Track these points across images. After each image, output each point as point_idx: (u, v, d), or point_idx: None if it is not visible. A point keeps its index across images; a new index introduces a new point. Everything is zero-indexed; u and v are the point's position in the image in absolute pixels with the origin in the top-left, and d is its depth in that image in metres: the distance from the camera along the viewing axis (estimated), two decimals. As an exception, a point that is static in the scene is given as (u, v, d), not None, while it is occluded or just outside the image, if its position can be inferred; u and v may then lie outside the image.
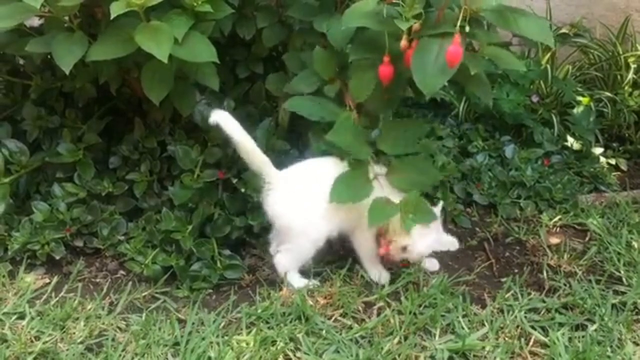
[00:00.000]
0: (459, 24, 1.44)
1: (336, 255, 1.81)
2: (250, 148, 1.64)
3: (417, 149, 1.84)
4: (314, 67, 1.76)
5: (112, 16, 1.48)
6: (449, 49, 1.43)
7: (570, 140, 2.38)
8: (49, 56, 1.82)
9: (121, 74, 1.83)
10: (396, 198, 1.61)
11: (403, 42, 1.54)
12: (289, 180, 1.68)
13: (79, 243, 1.83)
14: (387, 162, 1.71)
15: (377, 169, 1.67)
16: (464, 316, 1.58)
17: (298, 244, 1.68)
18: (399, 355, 1.46)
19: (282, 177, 1.68)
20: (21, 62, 2.04)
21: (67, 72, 1.57)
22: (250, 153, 1.65)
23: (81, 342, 1.50)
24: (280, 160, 1.91)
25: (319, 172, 1.69)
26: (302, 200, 1.66)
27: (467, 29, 1.46)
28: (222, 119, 1.61)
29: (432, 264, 1.79)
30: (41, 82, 1.96)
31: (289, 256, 1.69)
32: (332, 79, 1.76)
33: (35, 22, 1.81)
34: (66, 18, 1.62)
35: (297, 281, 1.69)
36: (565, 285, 1.71)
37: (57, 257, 1.77)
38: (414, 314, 1.58)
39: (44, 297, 1.66)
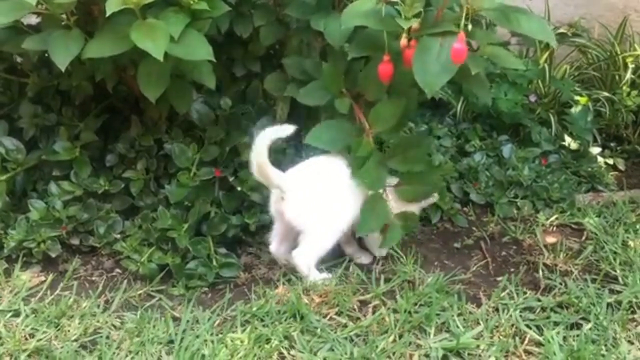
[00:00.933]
0: (462, 22, 1.44)
1: (332, 254, 1.81)
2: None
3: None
4: (323, 82, 1.76)
5: (108, 13, 1.47)
6: (454, 47, 1.43)
7: (567, 140, 2.38)
8: (45, 54, 1.82)
9: (118, 71, 1.83)
10: (399, 206, 1.72)
11: (402, 41, 1.54)
12: (300, 179, 1.70)
13: (75, 241, 1.83)
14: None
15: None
16: (459, 315, 1.58)
17: (319, 239, 1.69)
18: (394, 354, 1.45)
19: (291, 178, 1.69)
20: (18, 59, 2.04)
21: (63, 70, 1.57)
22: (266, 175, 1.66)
23: (75, 340, 1.50)
24: (278, 159, 1.92)
25: (327, 167, 1.73)
26: (318, 196, 1.69)
27: (470, 27, 1.46)
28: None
29: (367, 257, 1.81)
30: (38, 80, 1.96)
31: (309, 252, 1.69)
32: (341, 92, 1.75)
33: (33, 19, 1.81)
34: (63, 16, 1.62)
35: (319, 275, 1.71)
36: (560, 284, 1.71)
37: (53, 255, 1.77)
38: (409, 312, 1.57)
39: (39, 294, 1.66)
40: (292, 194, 1.67)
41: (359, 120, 1.71)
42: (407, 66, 1.53)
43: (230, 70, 2.03)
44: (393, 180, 1.73)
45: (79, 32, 1.62)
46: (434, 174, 1.94)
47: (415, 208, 1.81)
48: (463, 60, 1.45)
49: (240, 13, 1.91)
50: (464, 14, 1.45)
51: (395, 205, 1.71)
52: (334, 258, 1.79)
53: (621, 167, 2.44)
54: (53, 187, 1.86)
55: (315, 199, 1.69)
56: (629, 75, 2.58)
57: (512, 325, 1.55)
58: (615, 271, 1.76)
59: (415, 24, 1.51)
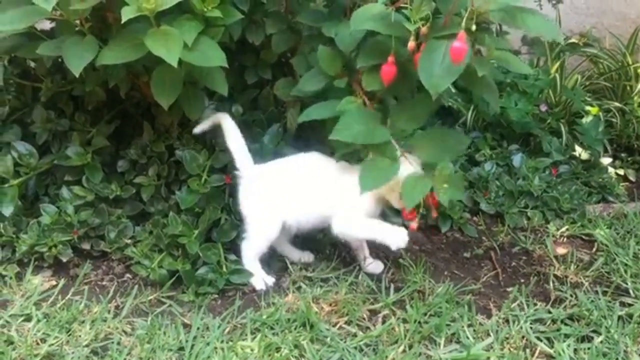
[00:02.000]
0: (464, 22, 1.44)
1: (342, 262, 1.82)
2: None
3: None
4: (320, 66, 1.76)
5: (123, 20, 1.48)
6: (453, 45, 1.43)
7: (578, 150, 2.38)
8: (59, 59, 1.84)
9: (131, 78, 1.84)
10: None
11: (410, 44, 1.55)
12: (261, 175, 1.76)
13: (86, 246, 1.83)
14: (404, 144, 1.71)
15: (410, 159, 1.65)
16: (469, 326, 1.58)
17: (253, 233, 1.76)
18: (404, 364, 1.46)
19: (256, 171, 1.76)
20: (32, 64, 2.05)
21: (77, 76, 1.58)
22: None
23: (87, 345, 1.50)
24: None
25: (293, 167, 1.77)
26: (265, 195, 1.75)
27: (474, 27, 1.46)
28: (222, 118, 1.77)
29: (377, 266, 1.80)
30: (51, 85, 1.97)
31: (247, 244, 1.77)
32: (339, 74, 1.75)
33: (47, 25, 1.82)
34: (77, 22, 1.63)
35: (255, 269, 1.75)
36: (571, 296, 1.71)
37: (64, 260, 1.78)
38: (419, 322, 1.57)
39: (51, 299, 1.67)
40: (245, 182, 1.76)
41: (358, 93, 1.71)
42: (416, 70, 1.54)
43: (242, 78, 2.04)
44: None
45: (93, 39, 1.63)
46: (450, 131, 1.86)
47: None
48: (462, 58, 1.45)
49: (252, 21, 1.92)
50: (466, 15, 1.45)
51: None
52: (342, 266, 1.79)
53: (632, 178, 2.43)
54: (65, 192, 1.87)
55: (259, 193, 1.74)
56: (640, 85, 2.58)
57: (523, 337, 1.55)
58: (627, 284, 1.75)
59: (423, 28, 1.52)
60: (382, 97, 1.72)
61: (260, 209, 1.75)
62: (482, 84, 1.66)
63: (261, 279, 1.74)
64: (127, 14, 1.49)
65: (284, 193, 1.73)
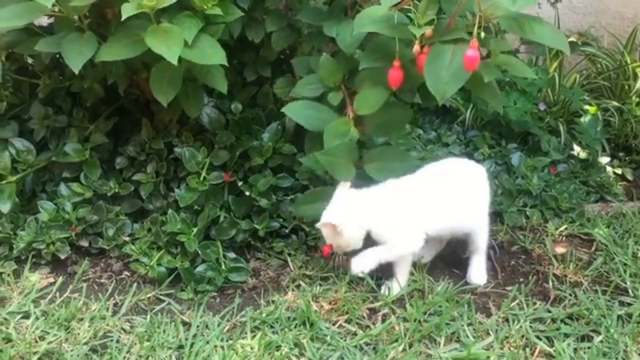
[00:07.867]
0: (475, 30, 1.44)
1: (341, 260, 1.81)
2: None
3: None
4: (320, 73, 1.76)
5: (123, 17, 1.47)
6: (467, 54, 1.43)
7: (576, 149, 2.38)
8: (57, 55, 1.82)
9: (129, 74, 1.83)
10: None
11: (416, 47, 1.54)
12: None
13: (84, 243, 1.82)
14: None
15: None
16: (469, 325, 1.57)
17: None
18: (404, 363, 1.45)
19: None
20: (29, 60, 2.04)
21: (77, 73, 1.57)
22: None
23: (86, 343, 1.50)
24: (288, 164, 1.92)
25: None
26: None
27: (482, 35, 1.46)
28: None
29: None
30: (49, 81, 1.96)
31: None
32: (337, 86, 1.75)
33: (44, 20, 1.81)
34: (76, 18, 1.62)
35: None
36: (570, 295, 1.70)
37: (62, 257, 1.77)
38: (419, 321, 1.57)
39: (49, 296, 1.66)
40: None
41: (348, 114, 1.71)
42: (420, 72, 1.54)
43: (241, 75, 2.03)
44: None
45: (92, 35, 1.62)
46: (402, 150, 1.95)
47: None
48: (476, 67, 1.45)
49: (252, 18, 1.91)
50: (477, 22, 1.45)
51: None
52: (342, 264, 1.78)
53: (629, 177, 2.43)
54: (63, 189, 1.86)
55: None
56: (638, 85, 2.58)
57: (523, 336, 1.55)
58: (626, 283, 1.75)
59: (428, 31, 1.52)
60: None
61: None
62: (488, 89, 1.66)
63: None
64: (127, 11, 1.49)
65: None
